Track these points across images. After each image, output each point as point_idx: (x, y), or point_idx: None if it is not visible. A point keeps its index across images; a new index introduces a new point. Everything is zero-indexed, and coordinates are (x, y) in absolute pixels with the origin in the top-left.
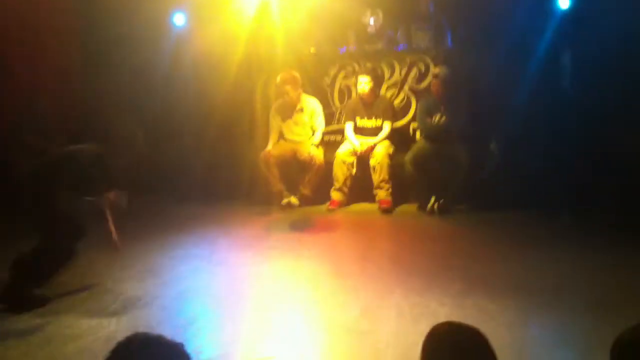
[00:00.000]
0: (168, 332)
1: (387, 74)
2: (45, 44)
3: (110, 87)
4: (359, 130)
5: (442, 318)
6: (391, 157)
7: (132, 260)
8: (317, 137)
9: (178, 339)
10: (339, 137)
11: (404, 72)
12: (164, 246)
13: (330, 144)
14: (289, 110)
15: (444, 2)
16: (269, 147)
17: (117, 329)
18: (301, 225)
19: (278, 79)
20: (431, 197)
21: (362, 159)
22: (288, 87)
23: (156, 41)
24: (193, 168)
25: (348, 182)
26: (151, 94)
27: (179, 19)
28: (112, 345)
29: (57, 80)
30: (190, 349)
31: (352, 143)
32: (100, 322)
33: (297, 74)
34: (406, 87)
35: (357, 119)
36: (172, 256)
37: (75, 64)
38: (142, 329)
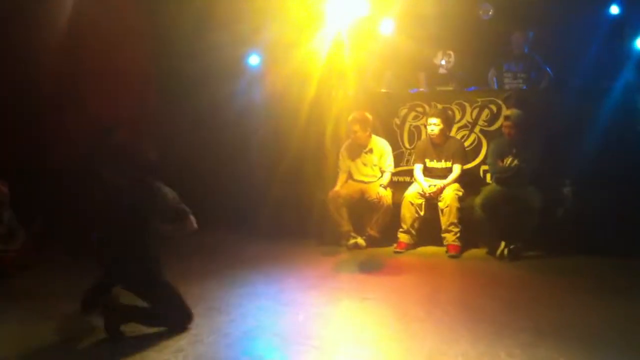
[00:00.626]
0: None
1: (457, 115)
2: (125, 78)
3: (186, 125)
4: (428, 172)
5: None
6: (460, 200)
7: (200, 296)
8: (386, 178)
9: None
10: (407, 179)
11: (475, 113)
12: (233, 283)
13: (398, 185)
14: (358, 151)
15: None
16: (338, 187)
17: None
18: (368, 267)
19: (349, 118)
20: (501, 241)
21: (431, 201)
22: (357, 127)
23: (231, 81)
24: (263, 206)
25: (416, 225)
26: (224, 132)
27: (253, 60)
28: None
29: (135, 117)
30: None
31: (420, 185)
32: (169, 358)
33: (367, 114)
34: (477, 129)
35: (427, 160)
36: (239, 294)
37: (154, 101)
38: None
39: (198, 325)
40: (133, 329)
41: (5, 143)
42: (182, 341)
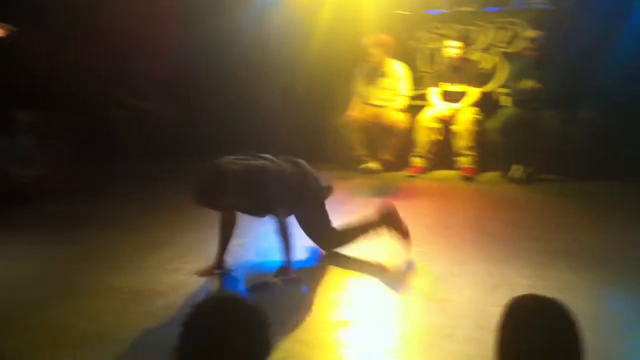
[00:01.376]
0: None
1: (477, 37)
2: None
3: (202, 48)
4: (445, 96)
5: (521, 289)
6: (477, 123)
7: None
8: (402, 102)
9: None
10: (423, 102)
11: (495, 34)
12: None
13: (415, 109)
14: (373, 74)
15: None
16: (352, 111)
17: (196, 287)
18: (381, 191)
19: (365, 41)
20: (517, 164)
21: (447, 125)
22: (374, 50)
23: (245, 6)
24: (277, 130)
25: (431, 148)
26: (239, 57)
27: None
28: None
29: (151, 41)
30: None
31: (438, 107)
32: (185, 279)
33: (384, 37)
34: (497, 51)
35: (444, 84)
36: (251, 217)
37: (170, 26)
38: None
39: (212, 248)
40: (148, 252)
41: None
42: (197, 264)
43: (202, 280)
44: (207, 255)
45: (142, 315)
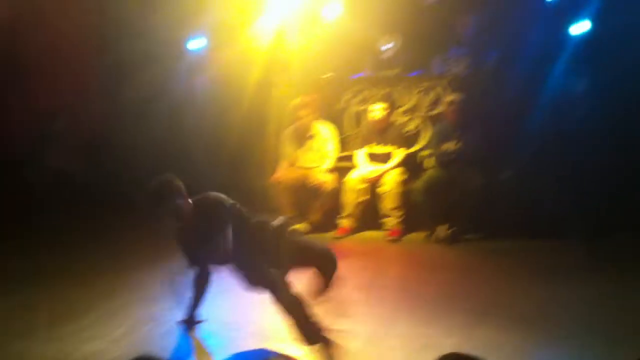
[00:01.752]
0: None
1: (401, 101)
2: (63, 62)
3: (126, 110)
4: (371, 157)
5: (448, 349)
6: (402, 184)
7: (141, 284)
8: (329, 164)
9: None
10: (350, 164)
11: (418, 98)
12: (172, 271)
13: (341, 171)
14: (301, 136)
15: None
16: (280, 172)
17: (119, 355)
18: None
19: (293, 103)
20: (441, 225)
21: (373, 186)
22: (303, 112)
23: (172, 64)
24: (203, 191)
25: (357, 210)
26: (166, 117)
27: (196, 44)
28: None
29: (75, 101)
30: None
31: (363, 170)
32: (107, 347)
33: (312, 99)
34: (420, 114)
35: (370, 145)
36: (177, 282)
37: (93, 86)
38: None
39: (135, 313)
40: (66, 316)
41: None
42: (119, 330)
43: (126, 346)
44: (129, 322)
45: None
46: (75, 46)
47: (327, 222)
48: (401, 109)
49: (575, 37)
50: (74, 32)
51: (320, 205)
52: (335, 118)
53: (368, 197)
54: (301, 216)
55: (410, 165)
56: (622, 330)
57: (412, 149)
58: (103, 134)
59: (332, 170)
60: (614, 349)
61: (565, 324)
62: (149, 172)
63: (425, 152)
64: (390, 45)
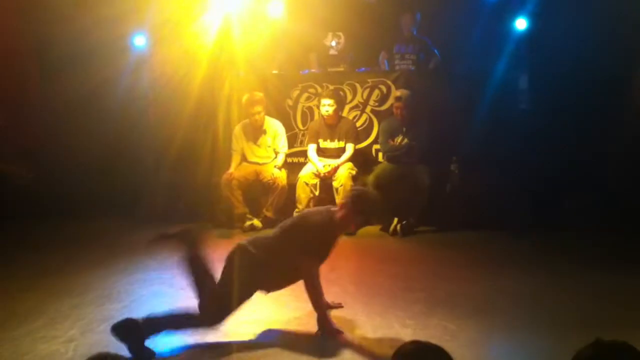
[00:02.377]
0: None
1: (349, 96)
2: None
3: (69, 109)
4: (322, 152)
5: (405, 338)
6: (354, 178)
7: (90, 284)
8: (280, 159)
9: None
10: (301, 159)
11: (365, 93)
12: (124, 270)
13: (293, 166)
14: (252, 132)
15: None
16: (232, 169)
17: (74, 355)
18: None
19: (244, 100)
20: (393, 219)
21: (325, 181)
22: (258, 108)
23: (115, 61)
24: (155, 191)
25: (311, 205)
26: (110, 115)
27: (139, 41)
28: None
29: (14, 99)
30: None
31: (314, 165)
32: (58, 348)
33: (262, 95)
34: (368, 109)
35: (320, 141)
36: (131, 281)
37: (34, 83)
38: None
39: (89, 313)
40: (18, 317)
41: None
42: (72, 331)
43: (82, 346)
44: (82, 322)
45: None
46: (13, 43)
47: (282, 217)
48: (349, 105)
49: (517, 32)
50: (11, 30)
51: (273, 200)
52: (285, 114)
53: (321, 192)
54: (255, 212)
55: (363, 159)
56: (568, 318)
57: (363, 144)
58: (43, 134)
59: (283, 166)
60: (561, 335)
61: (514, 313)
62: (94, 172)
63: (376, 147)
64: (336, 42)
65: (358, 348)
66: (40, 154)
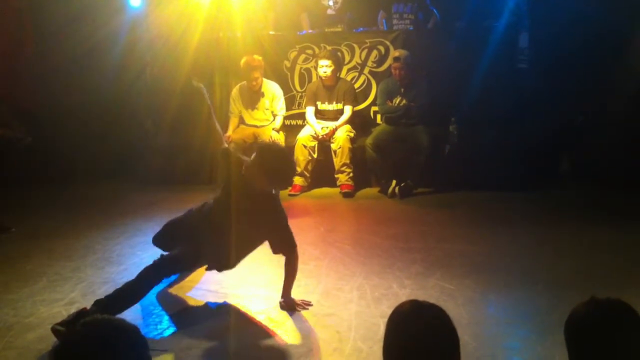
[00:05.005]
0: (127, 318)
1: (347, 57)
2: None
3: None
4: (320, 114)
5: (403, 298)
6: (352, 140)
7: (89, 247)
8: (278, 122)
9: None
10: (300, 122)
11: (364, 54)
12: (124, 233)
13: (291, 129)
14: (250, 95)
15: None
16: (229, 131)
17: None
18: None
19: (243, 63)
20: (392, 180)
21: (324, 143)
22: (256, 74)
23: (110, 22)
24: (152, 153)
25: (309, 167)
26: (107, 78)
27: (134, 1)
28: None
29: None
30: (149, 334)
31: (313, 127)
32: (60, 310)
33: (260, 59)
34: (366, 70)
35: (318, 103)
36: (131, 244)
37: (28, 44)
38: None
39: (89, 276)
40: (20, 280)
41: None
42: (73, 293)
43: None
44: (83, 285)
45: (16, 350)
46: (6, 2)
47: None
48: (347, 66)
49: None
50: None
51: None
52: (282, 75)
53: (319, 154)
54: None
55: (362, 121)
56: (566, 277)
57: (361, 106)
58: (40, 97)
59: (282, 129)
60: (559, 293)
61: (512, 272)
62: (92, 135)
63: (375, 108)
64: (334, 2)
65: (356, 308)
66: (38, 118)
